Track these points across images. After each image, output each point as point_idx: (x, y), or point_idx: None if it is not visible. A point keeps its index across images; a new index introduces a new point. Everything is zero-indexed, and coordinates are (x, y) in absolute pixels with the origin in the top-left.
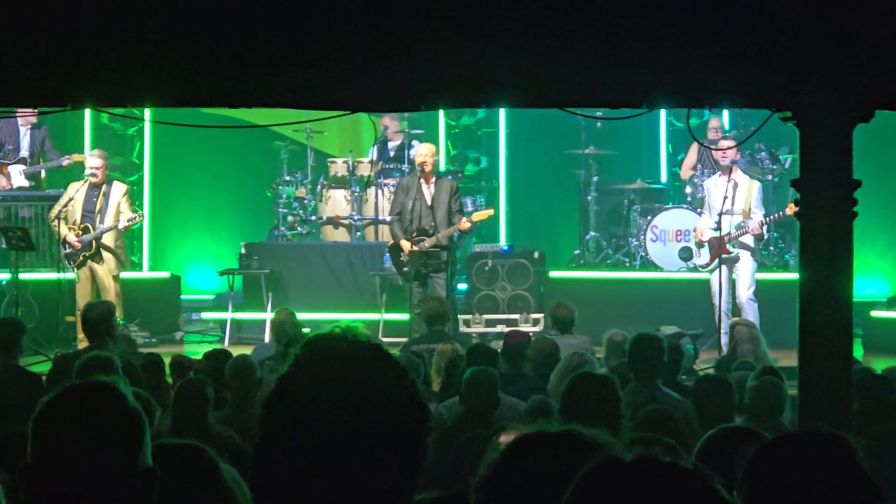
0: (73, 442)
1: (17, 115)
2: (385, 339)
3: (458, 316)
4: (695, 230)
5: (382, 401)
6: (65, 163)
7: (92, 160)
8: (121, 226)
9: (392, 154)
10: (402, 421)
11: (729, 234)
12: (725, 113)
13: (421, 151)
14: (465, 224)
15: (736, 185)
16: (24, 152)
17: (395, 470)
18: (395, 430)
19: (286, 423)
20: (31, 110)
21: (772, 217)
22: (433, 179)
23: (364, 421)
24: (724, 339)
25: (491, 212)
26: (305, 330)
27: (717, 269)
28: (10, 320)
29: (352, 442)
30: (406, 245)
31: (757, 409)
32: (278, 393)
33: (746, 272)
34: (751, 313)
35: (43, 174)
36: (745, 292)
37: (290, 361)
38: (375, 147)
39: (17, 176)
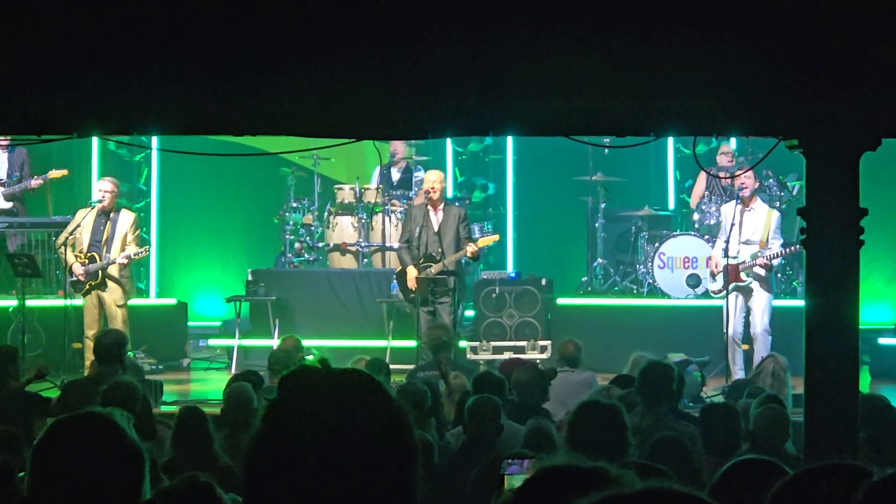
0: (75, 475)
1: None
2: (392, 366)
3: (467, 343)
4: (709, 258)
5: (366, 428)
6: (33, 183)
7: (102, 184)
8: (122, 260)
9: (396, 181)
10: (388, 447)
11: (743, 262)
12: (733, 140)
13: (429, 178)
14: (469, 249)
15: (745, 213)
16: (2, 174)
17: (385, 496)
18: (381, 457)
19: (273, 455)
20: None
21: (786, 251)
22: (441, 206)
23: (348, 449)
24: (734, 367)
25: (496, 237)
26: (309, 357)
27: (730, 297)
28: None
29: (338, 471)
30: (412, 273)
31: (761, 436)
32: (264, 427)
33: (762, 303)
34: (763, 345)
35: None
36: (759, 323)
37: (273, 395)
38: (378, 171)
39: None
